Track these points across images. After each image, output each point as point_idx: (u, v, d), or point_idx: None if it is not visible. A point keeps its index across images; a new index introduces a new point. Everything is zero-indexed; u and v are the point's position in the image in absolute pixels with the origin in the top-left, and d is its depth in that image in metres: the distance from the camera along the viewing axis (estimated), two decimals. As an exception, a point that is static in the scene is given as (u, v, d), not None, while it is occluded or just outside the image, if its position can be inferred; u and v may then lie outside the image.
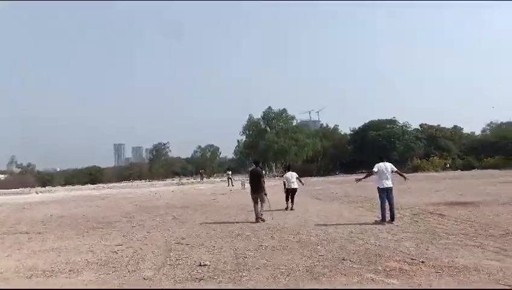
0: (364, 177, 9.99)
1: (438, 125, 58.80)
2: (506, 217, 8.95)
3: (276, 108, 58.09)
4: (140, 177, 75.08)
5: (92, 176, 74.59)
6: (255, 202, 10.19)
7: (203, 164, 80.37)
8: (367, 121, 57.83)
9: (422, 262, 5.45)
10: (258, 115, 58.59)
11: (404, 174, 10.17)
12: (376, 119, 57.26)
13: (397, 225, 8.49)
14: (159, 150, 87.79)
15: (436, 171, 44.17)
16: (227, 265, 5.69)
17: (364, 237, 7.37)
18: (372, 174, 9.38)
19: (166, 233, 8.79)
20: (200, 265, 5.71)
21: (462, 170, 44.78)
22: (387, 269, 5.17)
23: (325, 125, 72.65)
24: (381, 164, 9.24)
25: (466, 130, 62.14)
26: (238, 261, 5.91)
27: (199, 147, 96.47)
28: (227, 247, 6.97)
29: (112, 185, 49.41)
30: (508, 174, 30.88)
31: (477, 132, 64.38)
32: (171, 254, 6.56)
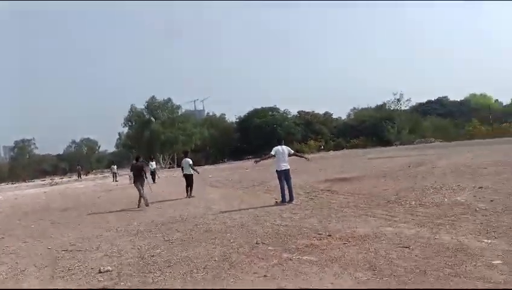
0: (262, 159, 10.21)
1: (313, 111, 64.69)
2: (383, 188, 10.23)
3: (160, 98, 55.88)
4: (-1, 180, 63.65)
5: None
6: (138, 189, 11.49)
7: (80, 160, 72.55)
8: (251, 109, 60.12)
9: (329, 235, 5.75)
10: (140, 105, 55.50)
11: (304, 155, 10.74)
12: (260, 107, 59.95)
13: (297, 204, 8.88)
14: (22, 148, 75.91)
15: (312, 152, 48.69)
16: (134, 267, 5.06)
17: (270, 219, 7.48)
18: (269, 157, 9.58)
19: (48, 241, 7.47)
20: (100, 272, 4.95)
21: (334, 150, 50.37)
22: (300, 247, 5.29)
23: (211, 114, 73.03)
24: (278, 147, 9.49)
25: (335, 115, 69.84)
26: (145, 261, 5.31)
27: (73, 141, 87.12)
28: (129, 247, 6.24)
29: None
30: (372, 151, 35.92)
31: (343, 117, 73.01)
32: (60, 264, 5.55)
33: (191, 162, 12.80)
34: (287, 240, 5.73)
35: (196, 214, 8.86)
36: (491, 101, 70.70)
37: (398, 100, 62.14)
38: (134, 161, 12.71)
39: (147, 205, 11.18)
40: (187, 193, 12.46)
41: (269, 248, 5.40)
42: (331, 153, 45.19)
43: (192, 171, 12.64)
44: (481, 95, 73.71)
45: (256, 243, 5.69)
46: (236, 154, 54.16)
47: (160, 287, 4.23)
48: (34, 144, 77.67)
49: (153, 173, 22.73)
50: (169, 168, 50.09)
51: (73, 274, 5.00)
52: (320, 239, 5.63)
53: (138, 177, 11.71)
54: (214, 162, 51.22)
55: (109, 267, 5.08)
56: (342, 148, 51.53)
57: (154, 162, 25.28)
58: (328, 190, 10.87)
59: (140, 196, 11.37)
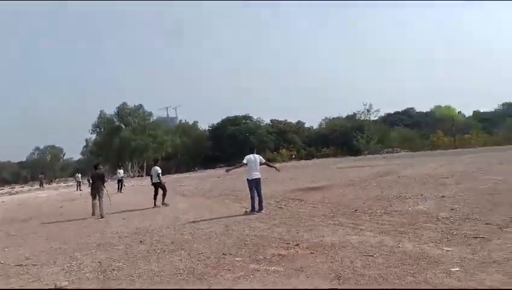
0: (234, 168, 10.15)
1: (285, 120, 65.38)
2: (350, 197, 10.38)
3: (131, 104, 54.83)
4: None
5: None
6: (94, 198, 11.36)
7: (43, 167, 69.59)
8: (224, 117, 59.99)
9: (297, 245, 5.73)
10: (110, 111, 54.26)
11: (274, 165, 10.79)
12: (232, 115, 59.93)
13: (266, 214, 8.84)
14: (-21, 154, 71.92)
15: (284, 161, 49.04)
16: (93, 282, 4.82)
17: (239, 228, 7.38)
18: (241, 165, 9.51)
19: (0, 255, 7.02)
20: (56, 288, 4.68)
21: (305, 159, 50.96)
22: (268, 257, 5.23)
23: (184, 121, 72.28)
24: (250, 155, 9.44)
25: (307, 124, 70.80)
26: (106, 275, 5.07)
27: (37, 148, 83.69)
28: (89, 261, 5.95)
29: None
30: (342, 161, 36.63)
31: (315, 126, 74.10)
32: (12, 281, 5.21)
33: (159, 171, 12.57)
34: (254, 250, 5.65)
35: (163, 225, 8.62)
36: (455, 113, 74.00)
37: (368, 111, 63.82)
38: (93, 169, 12.36)
39: (99, 215, 10.95)
40: (155, 202, 12.18)
41: (236, 258, 5.31)
42: (302, 162, 45.70)
43: (156, 180, 12.43)
44: (445, 106, 77.08)
45: (223, 254, 5.58)
46: (209, 162, 53.69)
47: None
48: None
49: (120, 181, 22.07)
50: (138, 176, 48.93)
51: (26, 291, 4.70)
52: (288, 249, 5.60)
53: (97, 186, 11.46)
54: (187, 170, 50.54)
55: (66, 283, 4.81)
56: (313, 157, 52.22)
57: (121, 170, 24.36)
58: (298, 199, 10.91)
59: (94, 204, 11.20)
